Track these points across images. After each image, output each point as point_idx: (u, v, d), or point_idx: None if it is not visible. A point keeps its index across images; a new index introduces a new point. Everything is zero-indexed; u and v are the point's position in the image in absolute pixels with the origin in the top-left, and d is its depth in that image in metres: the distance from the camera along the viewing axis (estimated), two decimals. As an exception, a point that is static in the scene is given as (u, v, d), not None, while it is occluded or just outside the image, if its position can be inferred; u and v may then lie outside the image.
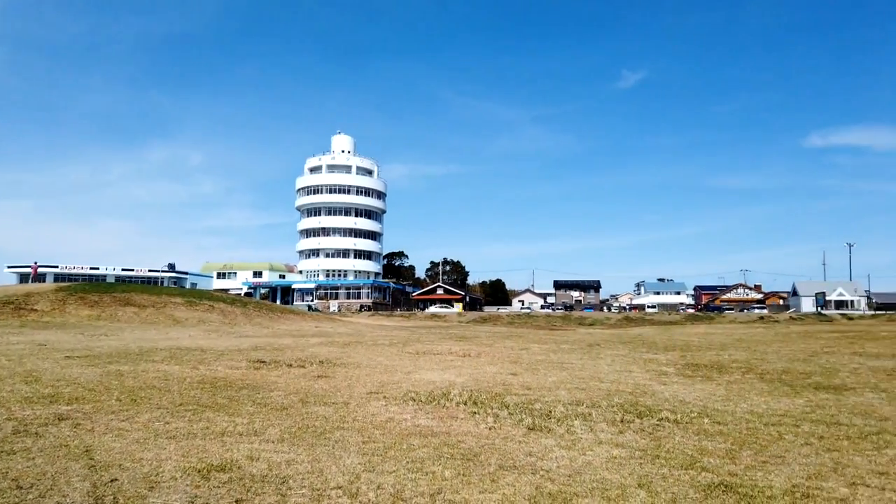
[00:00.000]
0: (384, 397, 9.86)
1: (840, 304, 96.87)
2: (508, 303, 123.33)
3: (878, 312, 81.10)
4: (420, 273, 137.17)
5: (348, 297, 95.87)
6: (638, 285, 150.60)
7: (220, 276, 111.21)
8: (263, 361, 15.04)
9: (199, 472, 5.43)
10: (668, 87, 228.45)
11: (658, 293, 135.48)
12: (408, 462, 5.91)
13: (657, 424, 7.91)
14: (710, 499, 4.93)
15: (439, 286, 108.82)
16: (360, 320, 59.11)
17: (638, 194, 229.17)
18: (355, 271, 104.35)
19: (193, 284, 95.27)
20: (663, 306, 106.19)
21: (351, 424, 7.68)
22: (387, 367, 14.65)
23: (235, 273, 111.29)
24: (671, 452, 6.44)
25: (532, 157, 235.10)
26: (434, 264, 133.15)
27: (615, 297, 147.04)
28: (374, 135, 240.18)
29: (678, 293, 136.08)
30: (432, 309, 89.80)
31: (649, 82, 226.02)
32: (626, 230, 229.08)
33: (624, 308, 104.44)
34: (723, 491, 5.12)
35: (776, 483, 5.38)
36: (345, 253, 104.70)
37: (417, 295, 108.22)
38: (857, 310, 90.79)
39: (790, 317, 70.37)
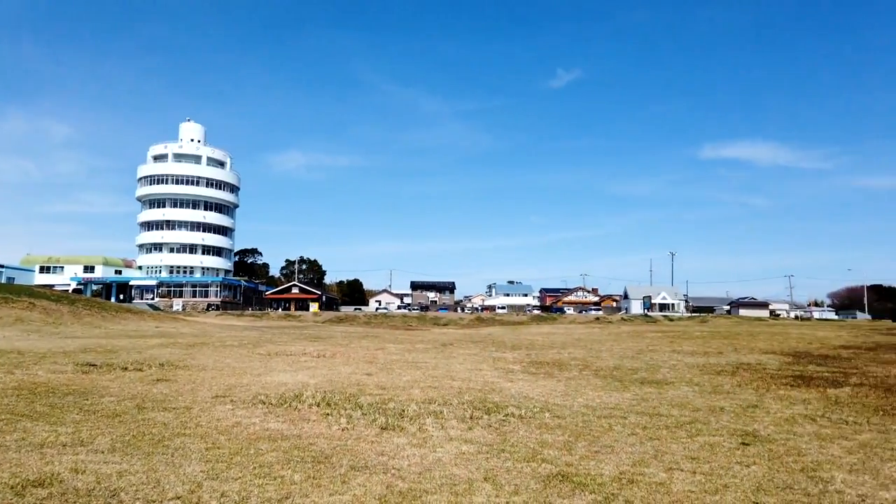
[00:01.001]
0: (231, 401, 9.40)
1: (663, 307, 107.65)
2: (366, 303, 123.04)
3: (693, 315, 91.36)
4: (275, 271, 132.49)
5: (195, 296, 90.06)
6: (490, 287, 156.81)
7: (44, 270, 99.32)
8: (93, 364, 13.70)
9: (13, 488, 4.83)
10: (597, 90, 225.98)
11: (508, 295, 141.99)
12: (255, 468, 5.69)
13: (503, 420, 8.30)
14: (549, 488, 5.28)
15: (295, 285, 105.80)
16: (208, 320, 55.81)
17: (534, 196, 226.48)
18: (203, 268, 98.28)
19: (11, 279, 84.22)
20: (512, 307, 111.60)
21: (193, 430, 7.24)
22: (235, 369, 13.98)
23: (62, 267, 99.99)
24: (515, 446, 6.80)
25: (443, 153, 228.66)
26: (290, 262, 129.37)
27: (468, 298, 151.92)
28: (270, 117, 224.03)
29: (526, 295, 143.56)
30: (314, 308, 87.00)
31: (581, 83, 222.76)
32: (505, 232, 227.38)
33: (476, 309, 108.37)
34: (560, 480, 5.50)
35: (606, 471, 5.87)
36: (192, 248, 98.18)
37: (271, 294, 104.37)
38: (677, 312, 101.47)
39: (621, 318, 76.95)
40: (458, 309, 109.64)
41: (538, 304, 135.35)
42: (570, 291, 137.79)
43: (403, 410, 8.79)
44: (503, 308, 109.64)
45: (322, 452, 6.34)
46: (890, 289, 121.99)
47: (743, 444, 7.12)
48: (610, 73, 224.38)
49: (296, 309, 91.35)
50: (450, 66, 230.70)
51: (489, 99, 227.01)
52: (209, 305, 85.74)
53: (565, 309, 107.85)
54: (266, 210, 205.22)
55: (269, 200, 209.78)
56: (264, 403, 9.20)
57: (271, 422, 7.90)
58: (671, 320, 69.95)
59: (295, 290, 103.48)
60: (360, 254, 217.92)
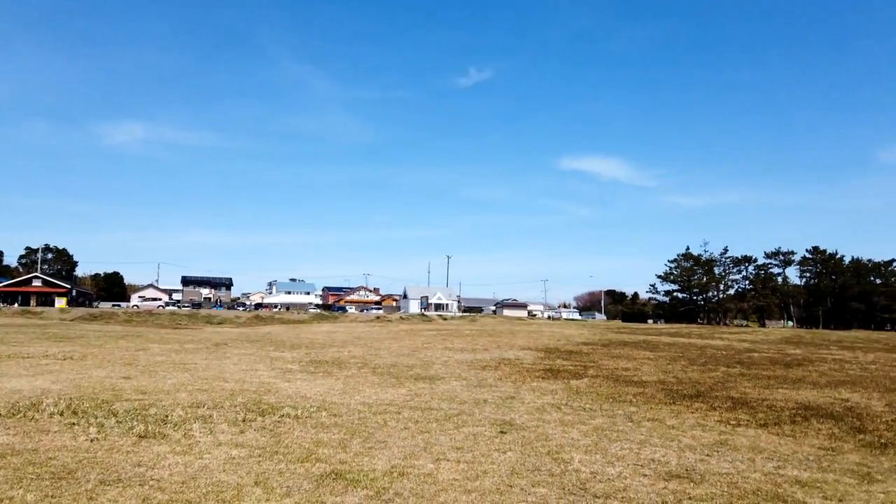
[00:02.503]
0: (-58, 414, 7.83)
1: (439, 307, 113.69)
2: (127, 299, 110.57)
3: (465, 314, 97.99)
4: (11, 260, 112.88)
5: None
6: (270, 284, 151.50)
7: None
8: None
9: None
10: (500, 93, 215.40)
11: (289, 293, 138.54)
12: (-26, 491, 4.82)
13: (278, 421, 8.10)
14: (322, 487, 5.29)
15: (36, 277, 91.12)
16: (-90, 316, 45.55)
17: (389, 193, 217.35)
18: None
19: None
20: (294, 305, 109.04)
21: None
22: (-51, 375, 11.66)
23: None
24: (289, 447, 6.68)
25: (313, 142, 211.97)
26: (31, 250, 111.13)
27: (247, 295, 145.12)
28: (113, 75, 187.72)
29: (308, 293, 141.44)
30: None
31: (488, 84, 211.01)
32: (336, 228, 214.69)
33: (255, 306, 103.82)
34: (333, 479, 5.54)
35: (378, 466, 6.06)
36: None
37: (4, 286, 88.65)
38: (450, 311, 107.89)
39: (400, 317, 79.58)
40: (236, 306, 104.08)
41: (321, 302, 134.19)
42: (352, 290, 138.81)
43: (167, 416, 8.11)
44: (284, 306, 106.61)
45: (65, 467, 5.59)
46: (621, 293, 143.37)
47: (501, 432, 7.85)
48: (518, 77, 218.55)
49: (38, 304, 78.88)
50: (364, 51, 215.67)
51: (391, 90, 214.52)
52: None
53: (347, 308, 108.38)
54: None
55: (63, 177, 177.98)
56: (-11, 415, 7.82)
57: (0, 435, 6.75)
58: (445, 319, 74.05)
59: (37, 283, 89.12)
60: (121, 244, 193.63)
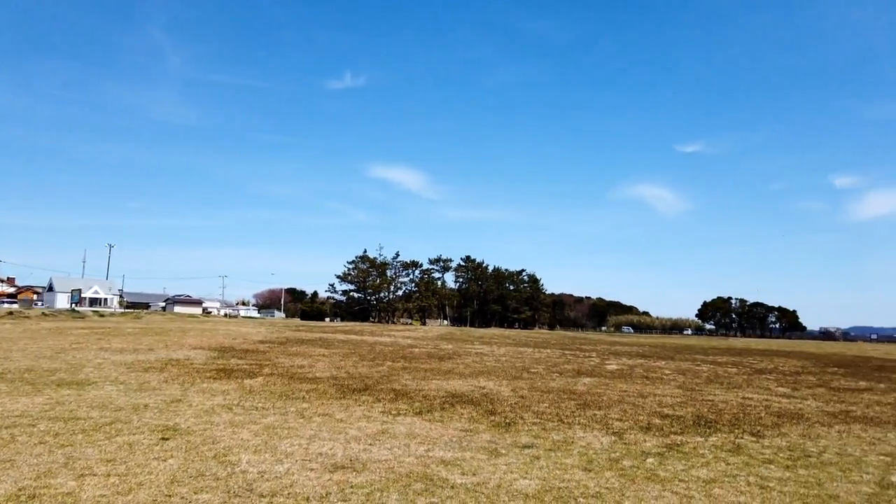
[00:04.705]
0: None
1: (95, 302, 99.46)
2: None
3: (127, 310, 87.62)
4: None
5: None
6: None
7: None
8: None
9: None
10: (363, 98, 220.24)
11: None
12: None
13: None
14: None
15: None
16: None
17: (170, 181, 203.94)
18: None
19: None
20: None
21: None
22: None
23: None
24: None
25: (131, 115, 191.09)
26: None
27: None
28: None
29: None
30: None
31: (358, 90, 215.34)
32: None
33: None
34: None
35: (1, 490, 5.07)
36: None
37: None
38: (110, 307, 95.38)
39: (43, 313, 67.51)
40: None
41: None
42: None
43: None
44: None
45: None
46: (301, 292, 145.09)
47: (163, 439, 7.27)
48: (386, 87, 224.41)
49: None
50: (242, 37, 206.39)
51: (254, 78, 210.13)
52: None
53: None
54: None
55: None
56: None
57: None
58: (102, 316, 65.24)
59: None
60: None
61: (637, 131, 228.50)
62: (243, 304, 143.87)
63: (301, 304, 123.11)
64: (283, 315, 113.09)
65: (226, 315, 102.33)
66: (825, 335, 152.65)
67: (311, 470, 6.20)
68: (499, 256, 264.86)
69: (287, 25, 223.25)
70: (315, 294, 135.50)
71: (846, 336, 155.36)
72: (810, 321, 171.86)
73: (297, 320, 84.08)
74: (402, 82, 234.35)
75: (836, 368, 24.76)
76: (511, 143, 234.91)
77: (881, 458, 7.91)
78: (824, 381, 18.89)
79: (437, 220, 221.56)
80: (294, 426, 8.47)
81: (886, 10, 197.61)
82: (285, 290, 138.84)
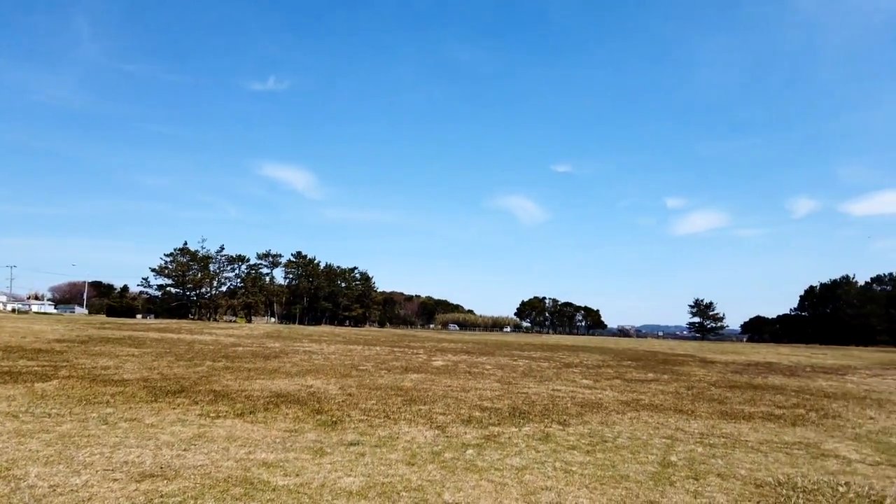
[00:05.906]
0: None
1: None
2: None
3: None
4: None
5: None
6: None
7: None
8: None
9: None
10: (280, 101, 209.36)
11: None
12: None
13: None
14: None
15: None
16: None
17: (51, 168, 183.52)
18: None
19: None
20: None
21: None
22: None
23: None
24: None
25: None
26: None
27: None
28: None
29: None
30: None
31: (278, 93, 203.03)
32: None
33: None
34: None
35: None
36: None
37: None
38: None
39: None
40: None
41: None
42: None
43: None
44: None
45: None
46: (109, 285, 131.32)
47: (-75, 455, 6.21)
48: (308, 92, 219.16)
49: None
50: (198, 36, 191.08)
51: (171, 72, 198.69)
52: None
53: None
54: None
55: None
56: None
57: None
58: None
59: None
60: None
61: (526, 151, 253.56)
62: (36, 297, 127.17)
63: (108, 300, 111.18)
64: (85, 311, 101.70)
65: (13, 310, 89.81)
66: (622, 332, 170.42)
67: (115, 480, 5.68)
68: (363, 257, 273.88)
69: (236, 25, 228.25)
70: (125, 288, 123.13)
71: (639, 333, 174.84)
72: (611, 320, 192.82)
73: (102, 317, 75.80)
74: (322, 90, 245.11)
75: (630, 362, 27.86)
76: (408, 154, 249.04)
77: (663, 440, 9.08)
78: (620, 374, 21.17)
79: (314, 219, 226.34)
80: (95, 433, 7.68)
81: (737, 64, 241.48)
82: (89, 283, 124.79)
